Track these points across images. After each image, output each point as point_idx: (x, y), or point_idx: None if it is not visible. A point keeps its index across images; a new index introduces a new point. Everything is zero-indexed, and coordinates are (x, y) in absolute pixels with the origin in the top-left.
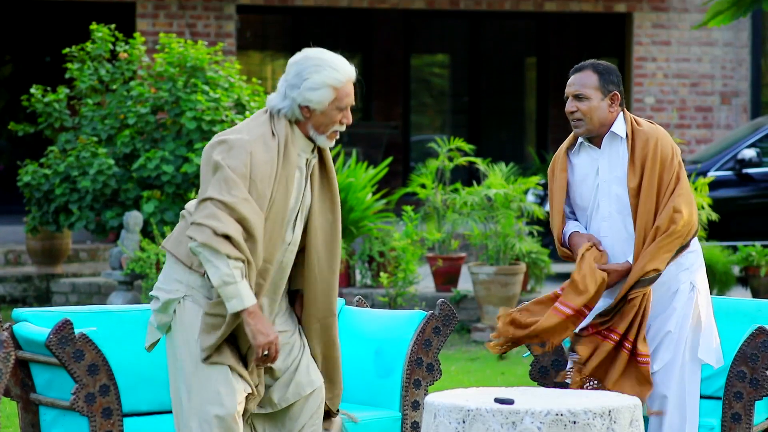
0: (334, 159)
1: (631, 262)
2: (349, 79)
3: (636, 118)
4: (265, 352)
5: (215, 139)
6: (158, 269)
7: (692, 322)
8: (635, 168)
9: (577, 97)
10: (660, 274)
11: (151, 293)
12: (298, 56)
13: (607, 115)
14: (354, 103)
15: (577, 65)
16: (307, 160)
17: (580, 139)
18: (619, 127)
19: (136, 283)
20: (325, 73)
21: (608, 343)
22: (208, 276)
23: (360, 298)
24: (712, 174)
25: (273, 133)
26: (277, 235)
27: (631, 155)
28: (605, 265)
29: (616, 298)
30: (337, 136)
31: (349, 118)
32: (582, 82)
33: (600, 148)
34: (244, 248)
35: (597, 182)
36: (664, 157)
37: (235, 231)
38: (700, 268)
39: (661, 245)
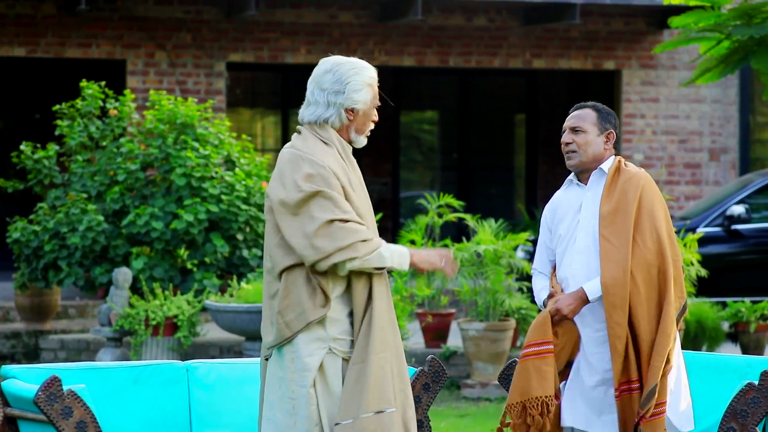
0: None
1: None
2: (376, 77)
3: (626, 161)
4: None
5: (290, 166)
6: (147, 326)
7: None
8: (611, 194)
9: (574, 130)
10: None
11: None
12: (326, 66)
13: (602, 152)
14: None
15: (579, 104)
16: None
17: (568, 178)
18: (608, 165)
19: (125, 339)
20: (364, 73)
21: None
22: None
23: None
24: (701, 230)
25: (327, 143)
26: (376, 230)
27: (610, 184)
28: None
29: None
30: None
31: (377, 116)
32: (580, 116)
33: (587, 184)
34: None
35: (578, 218)
36: (647, 192)
37: (367, 231)
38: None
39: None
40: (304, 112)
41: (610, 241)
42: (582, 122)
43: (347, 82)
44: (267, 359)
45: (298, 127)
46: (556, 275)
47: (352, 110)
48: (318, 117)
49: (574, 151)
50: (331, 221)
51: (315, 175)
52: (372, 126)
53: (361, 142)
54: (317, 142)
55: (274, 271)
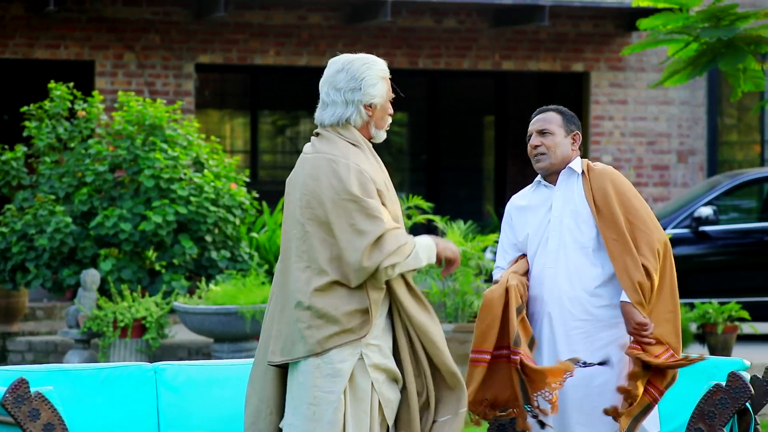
0: None
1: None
2: (388, 71)
3: (590, 162)
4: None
5: (330, 172)
6: (115, 327)
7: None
8: (592, 197)
9: (541, 133)
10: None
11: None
12: (337, 65)
13: (569, 153)
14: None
15: (541, 108)
16: None
17: (536, 180)
18: (577, 164)
19: (93, 341)
20: (376, 66)
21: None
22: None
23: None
24: (669, 232)
25: (356, 145)
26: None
27: (590, 186)
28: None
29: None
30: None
31: (392, 109)
32: (546, 119)
33: (555, 185)
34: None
35: (549, 217)
36: (620, 182)
37: (403, 233)
38: None
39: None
40: (323, 115)
41: (617, 240)
42: (548, 125)
43: (362, 77)
44: (273, 365)
45: (318, 130)
46: (530, 275)
47: (371, 105)
48: (339, 117)
49: (543, 154)
50: (381, 235)
51: (357, 182)
52: (390, 120)
53: (381, 136)
54: (346, 144)
55: (313, 283)
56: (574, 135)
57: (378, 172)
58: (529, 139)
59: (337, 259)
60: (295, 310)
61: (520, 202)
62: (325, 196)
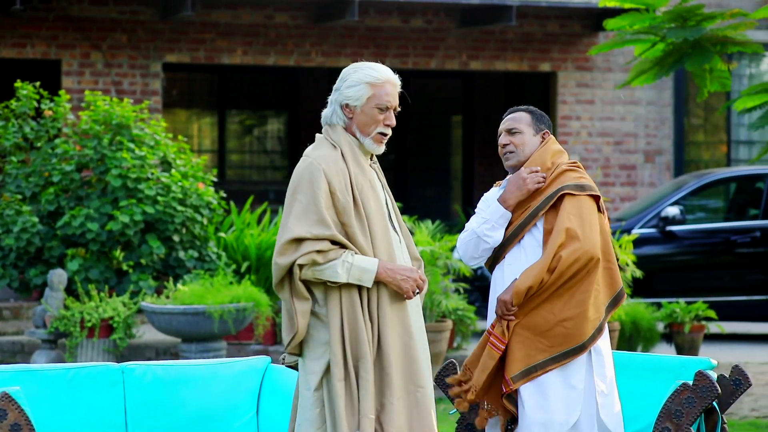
0: (260, 217)
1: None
2: (388, 80)
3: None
4: (416, 291)
5: (295, 174)
6: (82, 327)
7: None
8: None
9: (510, 132)
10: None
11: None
12: (345, 69)
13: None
14: (397, 107)
15: (512, 108)
16: (371, 164)
17: (506, 179)
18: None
19: (60, 341)
20: (363, 71)
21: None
22: (318, 289)
23: (285, 356)
24: (636, 231)
25: (334, 146)
26: (387, 234)
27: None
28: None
29: None
30: (384, 141)
31: (392, 120)
32: (515, 119)
33: None
34: (327, 237)
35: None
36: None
37: (314, 245)
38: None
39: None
40: (323, 113)
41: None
42: (517, 124)
43: (345, 79)
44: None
45: (318, 134)
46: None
47: (347, 106)
48: (326, 117)
49: (512, 152)
50: (302, 237)
51: (307, 181)
52: (382, 129)
53: (370, 145)
54: (327, 145)
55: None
56: (544, 134)
57: (344, 175)
58: (499, 137)
59: None
60: None
61: (489, 199)
62: (287, 196)
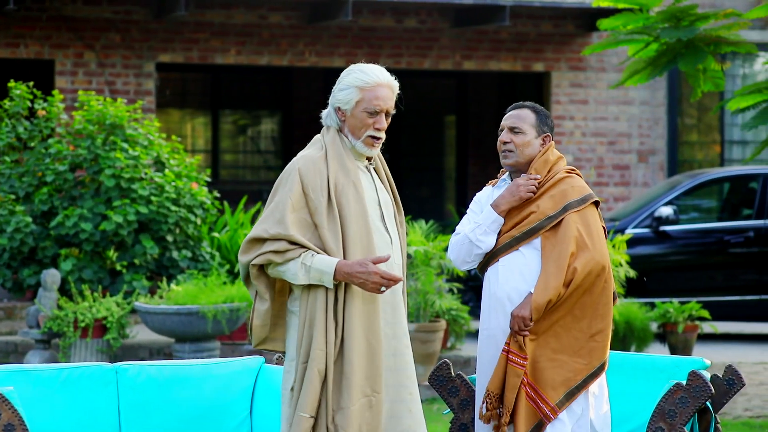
0: (254, 217)
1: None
2: (379, 83)
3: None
4: (382, 288)
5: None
6: (76, 328)
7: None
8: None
9: (513, 130)
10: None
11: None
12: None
13: (536, 153)
14: (390, 110)
15: (517, 103)
16: (366, 165)
17: (502, 178)
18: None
19: (54, 341)
20: (353, 75)
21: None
22: (295, 288)
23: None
24: (630, 231)
25: (321, 146)
26: (368, 236)
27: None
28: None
29: None
30: (377, 144)
31: (382, 124)
32: (520, 116)
33: None
34: (283, 237)
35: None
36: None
37: (272, 245)
38: None
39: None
40: (323, 114)
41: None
42: (521, 123)
43: (339, 82)
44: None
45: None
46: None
47: (339, 109)
48: (324, 119)
49: (511, 151)
50: (264, 237)
51: (283, 181)
52: (374, 133)
53: (360, 148)
54: (315, 146)
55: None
56: (545, 137)
57: (322, 176)
58: (501, 133)
59: None
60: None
61: (483, 197)
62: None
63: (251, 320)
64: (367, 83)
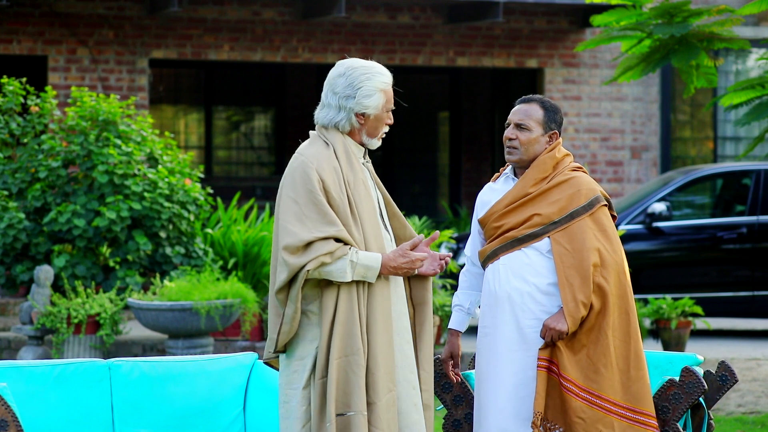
0: (247, 213)
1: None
2: (391, 81)
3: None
4: (420, 267)
5: (288, 172)
6: (69, 324)
7: None
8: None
9: (519, 126)
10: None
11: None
12: (340, 69)
13: (542, 151)
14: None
15: (526, 96)
16: (363, 163)
17: (504, 172)
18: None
19: (47, 337)
20: (376, 78)
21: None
22: (308, 288)
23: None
24: (623, 227)
25: (327, 144)
26: (379, 232)
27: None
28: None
29: None
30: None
31: (392, 119)
32: (527, 112)
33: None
34: (334, 235)
35: None
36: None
37: (323, 247)
38: None
39: None
40: (319, 114)
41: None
42: (528, 120)
43: (359, 87)
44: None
45: (312, 131)
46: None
47: (363, 115)
48: (329, 120)
49: (515, 148)
50: (311, 241)
51: (300, 181)
52: (386, 128)
53: (374, 144)
54: (319, 142)
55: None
56: (552, 134)
57: (338, 173)
58: (507, 127)
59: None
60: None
61: (486, 194)
62: (280, 195)
63: (279, 326)
64: (386, 83)
